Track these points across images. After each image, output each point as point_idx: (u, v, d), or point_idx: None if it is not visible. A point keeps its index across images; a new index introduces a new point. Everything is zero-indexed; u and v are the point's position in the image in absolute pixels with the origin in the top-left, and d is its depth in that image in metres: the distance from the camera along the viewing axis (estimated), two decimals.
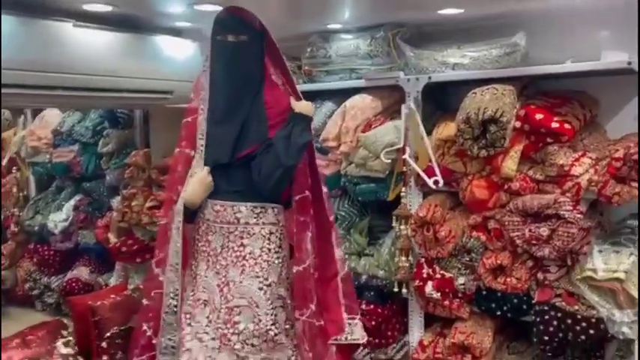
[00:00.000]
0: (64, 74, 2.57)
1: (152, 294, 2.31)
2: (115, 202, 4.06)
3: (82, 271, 4.52)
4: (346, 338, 2.28)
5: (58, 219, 4.58)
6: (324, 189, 2.40)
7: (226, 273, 2.11)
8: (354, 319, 2.37)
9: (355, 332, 2.34)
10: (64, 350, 3.05)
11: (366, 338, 2.43)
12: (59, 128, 4.58)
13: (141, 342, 2.30)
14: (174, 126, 3.88)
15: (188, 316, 2.14)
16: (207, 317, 2.11)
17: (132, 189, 3.86)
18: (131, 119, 4.26)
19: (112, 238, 4.04)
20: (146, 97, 3.13)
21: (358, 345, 2.46)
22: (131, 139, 4.24)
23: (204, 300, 2.14)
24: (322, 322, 2.21)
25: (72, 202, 4.58)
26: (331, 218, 2.42)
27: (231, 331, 2.06)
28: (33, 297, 4.84)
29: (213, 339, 2.08)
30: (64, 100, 3.06)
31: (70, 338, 3.13)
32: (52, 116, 4.71)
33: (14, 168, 4.91)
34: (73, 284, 4.39)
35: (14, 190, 4.90)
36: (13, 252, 4.85)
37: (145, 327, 2.31)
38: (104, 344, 3.32)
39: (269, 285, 2.10)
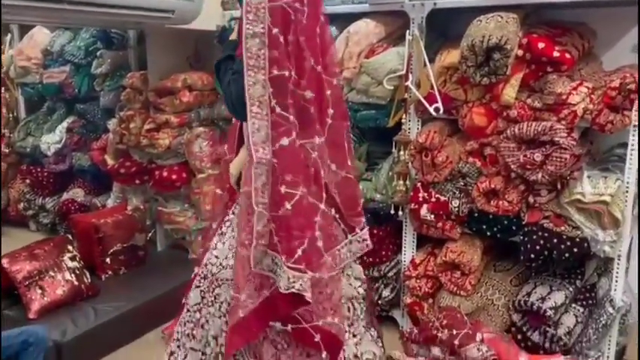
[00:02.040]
0: None
1: None
2: (111, 124, 4.06)
3: (77, 193, 4.58)
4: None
5: (51, 141, 4.58)
6: None
7: None
8: None
9: None
10: (71, 264, 3.16)
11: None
12: (49, 48, 4.49)
13: None
14: (174, 48, 3.87)
15: None
16: None
17: (129, 111, 3.86)
18: (125, 40, 4.19)
19: (109, 160, 4.07)
20: (145, 16, 3.06)
21: None
22: (125, 60, 4.19)
23: None
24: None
25: (65, 124, 4.57)
26: None
27: None
28: (27, 217, 4.91)
29: None
30: (55, 15, 2.92)
31: (76, 253, 3.24)
32: (41, 35, 4.59)
33: (2, 88, 4.82)
34: (69, 205, 4.46)
35: (3, 110, 4.84)
36: (5, 173, 4.86)
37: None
38: (108, 260, 3.46)
39: None
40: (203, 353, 1.75)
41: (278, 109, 1.54)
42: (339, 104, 1.75)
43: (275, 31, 1.51)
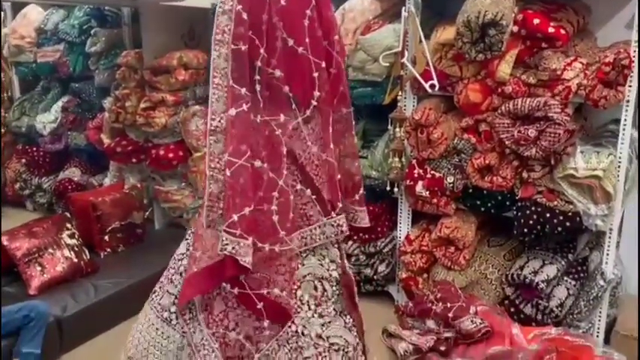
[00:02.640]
0: None
1: None
2: (107, 103, 4.05)
3: (73, 172, 4.59)
4: None
5: (46, 120, 4.56)
6: None
7: None
8: None
9: None
10: (70, 241, 3.19)
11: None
12: (43, 26, 4.45)
13: None
14: (169, 26, 3.85)
15: None
16: None
17: (125, 89, 3.86)
18: (119, 18, 4.16)
19: (106, 139, 4.07)
20: None
21: None
22: (120, 38, 4.16)
23: None
24: None
25: (60, 104, 4.55)
26: None
27: None
28: (23, 197, 4.91)
29: None
30: None
31: (74, 231, 3.26)
32: (35, 14, 4.55)
33: None
34: (66, 184, 4.47)
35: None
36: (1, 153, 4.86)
37: None
38: (106, 238, 3.49)
39: None
40: (176, 297, 1.84)
41: (231, 82, 1.61)
42: (331, 88, 1.76)
43: (239, 8, 1.59)
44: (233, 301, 1.74)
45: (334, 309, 1.83)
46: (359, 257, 3.24)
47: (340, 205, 1.79)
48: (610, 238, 2.60)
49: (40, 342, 2.53)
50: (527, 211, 2.64)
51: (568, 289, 2.67)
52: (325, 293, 1.81)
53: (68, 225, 3.26)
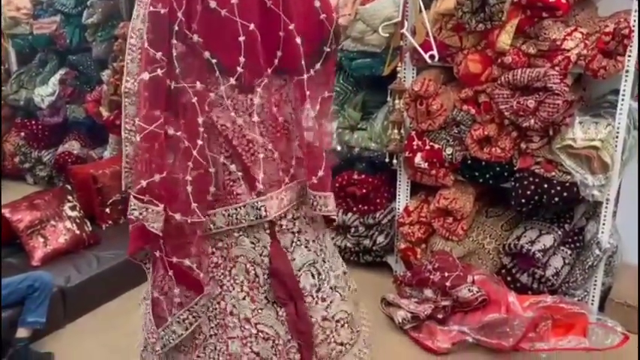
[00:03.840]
0: None
1: None
2: (105, 75, 4.04)
3: (73, 145, 4.59)
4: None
5: (44, 93, 4.55)
6: None
7: None
8: None
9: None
10: (71, 213, 3.22)
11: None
12: None
13: None
14: None
15: None
16: None
17: (122, 62, 3.82)
18: None
19: (104, 112, 4.07)
20: None
21: None
22: (117, 9, 4.12)
23: None
24: None
25: (57, 76, 4.53)
26: None
27: None
28: (23, 170, 4.93)
29: None
30: None
31: (76, 203, 3.29)
32: None
33: None
34: (66, 157, 4.48)
35: None
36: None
37: None
38: (108, 210, 3.52)
39: None
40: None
41: (146, 44, 1.51)
42: (283, 53, 1.62)
43: None
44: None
45: (266, 297, 1.73)
46: (358, 228, 3.27)
47: (261, 187, 1.65)
48: (607, 208, 2.62)
49: (45, 311, 2.58)
50: (525, 182, 2.66)
51: (564, 258, 2.71)
52: (257, 279, 1.72)
53: (69, 197, 3.28)
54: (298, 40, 1.59)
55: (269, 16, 1.58)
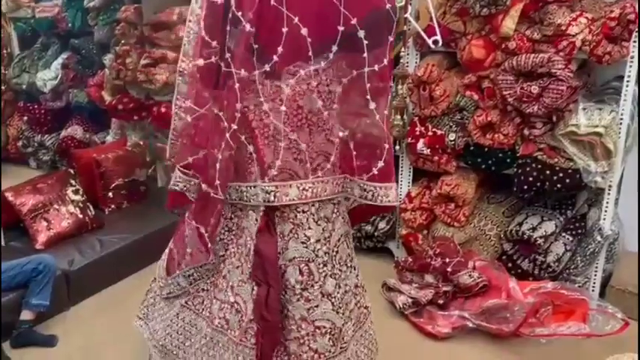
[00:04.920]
0: None
1: None
2: (107, 59, 4.02)
3: (76, 130, 4.59)
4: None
5: (46, 77, 4.54)
6: None
7: None
8: None
9: None
10: (75, 197, 3.23)
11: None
12: None
13: None
14: None
15: None
16: None
17: (124, 46, 3.82)
18: None
19: (106, 97, 4.06)
20: None
21: None
22: None
23: None
24: None
25: (60, 60, 4.51)
26: None
27: None
28: (26, 155, 4.94)
29: None
30: None
31: (79, 187, 3.29)
32: None
33: None
34: (69, 142, 4.48)
35: None
36: (1, 110, 4.85)
37: None
38: (110, 194, 3.53)
39: None
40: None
41: (203, 32, 1.61)
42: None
43: None
44: None
45: (250, 273, 1.77)
46: None
47: (275, 172, 1.66)
48: (609, 194, 2.62)
49: (49, 294, 2.60)
50: (528, 168, 2.66)
51: (565, 244, 2.71)
52: (250, 254, 1.76)
53: (72, 181, 3.29)
54: (361, 33, 1.55)
55: (328, 9, 1.55)
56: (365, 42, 1.57)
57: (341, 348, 1.80)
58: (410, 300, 2.72)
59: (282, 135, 1.65)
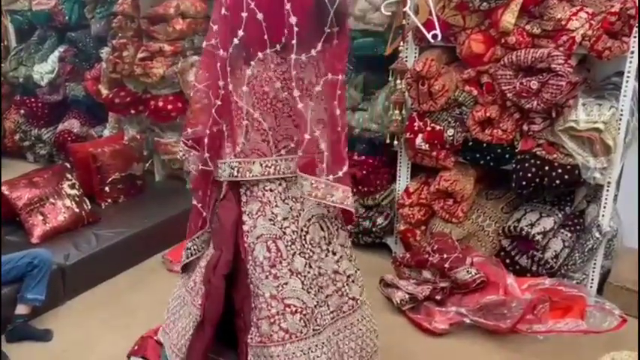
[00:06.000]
0: None
1: None
2: (104, 53, 3.99)
3: (73, 124, 4.57)
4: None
5: (43, 70, 4.50)
6: None
7: None
8: None
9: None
10: (71, 191, 3.21)
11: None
12: None
13: None
14: None
15: None
16: None
17: (121, 39, 3.79)
18: None
19: (103, 90, 4.03)
20: None
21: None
22: None
23: None
24: None
25: (57, 53, 4.48)
26: None
27: None
28: (23, 148, 4.92)
29: None
30: None
31: (75, 181, 3.28)
32: None
33: None
34: (66, 136, 4.46)
35: None
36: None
37: None
38: (107, 188, 3.51)
39: None
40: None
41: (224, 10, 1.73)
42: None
43: None
44: None
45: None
46: (358, 210, 3.27)
47: (239, 149, 1.79)
48: (608, 191, 2.61)
49: (44, 289, 2.58)
50: (526, 164, 2.64)
51: (564, 241, 2.70)
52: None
53: (68, 175, 3.27)
54: (293, 19, 1.66)
55: None
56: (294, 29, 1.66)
57: (314, 330, 1.83)
58: (407, 296, 2.71)
59: (248, 115, 1.77)
